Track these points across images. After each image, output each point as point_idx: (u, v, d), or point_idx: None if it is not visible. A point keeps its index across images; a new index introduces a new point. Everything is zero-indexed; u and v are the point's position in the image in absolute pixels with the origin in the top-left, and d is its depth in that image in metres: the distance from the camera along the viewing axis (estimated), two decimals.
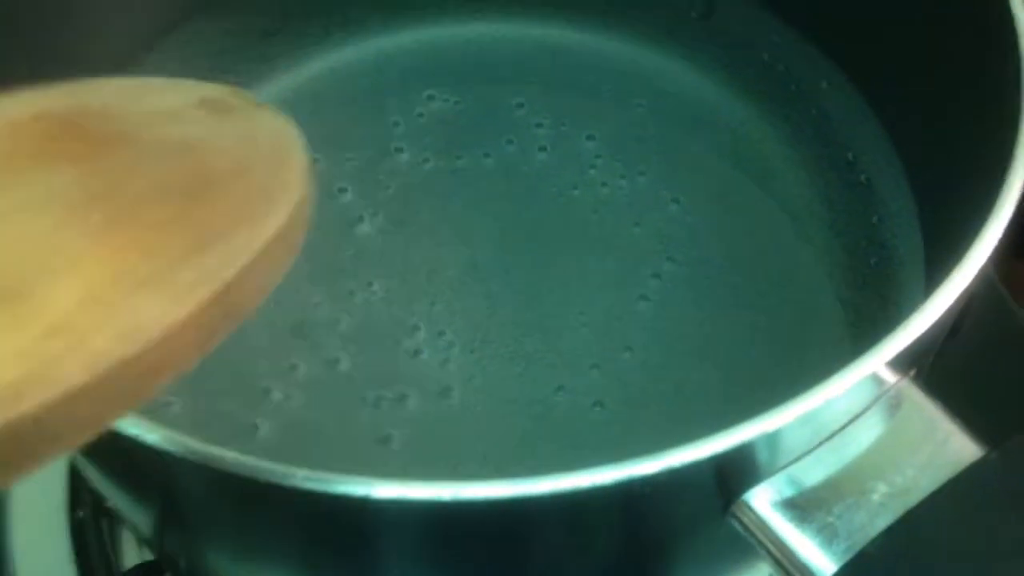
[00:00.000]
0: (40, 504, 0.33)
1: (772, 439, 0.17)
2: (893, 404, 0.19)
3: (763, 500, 0.18)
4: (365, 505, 0.16)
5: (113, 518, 0.33)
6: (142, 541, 0.27)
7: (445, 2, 0.34)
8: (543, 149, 0.32)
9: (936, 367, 0.21)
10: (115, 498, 0.25)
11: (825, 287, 0.29)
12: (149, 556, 0.30)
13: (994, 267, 0.19)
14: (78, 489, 0.33)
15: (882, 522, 0.17)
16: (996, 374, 0.28)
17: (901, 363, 0.18)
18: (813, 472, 0.18)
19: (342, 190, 0.31)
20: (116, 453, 0.20)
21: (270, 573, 0.23)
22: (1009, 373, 0.28)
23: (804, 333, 0.27)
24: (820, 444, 0.18)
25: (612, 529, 0.19)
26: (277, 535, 0.20)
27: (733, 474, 0.18)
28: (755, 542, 0.18)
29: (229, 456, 0.17)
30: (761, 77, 0.32)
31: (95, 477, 0.25)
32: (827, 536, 0.18)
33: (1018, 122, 0.21)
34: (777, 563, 0.18)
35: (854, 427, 0.19)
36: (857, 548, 0.17)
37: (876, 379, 0.18)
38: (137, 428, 0.17)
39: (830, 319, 0.28)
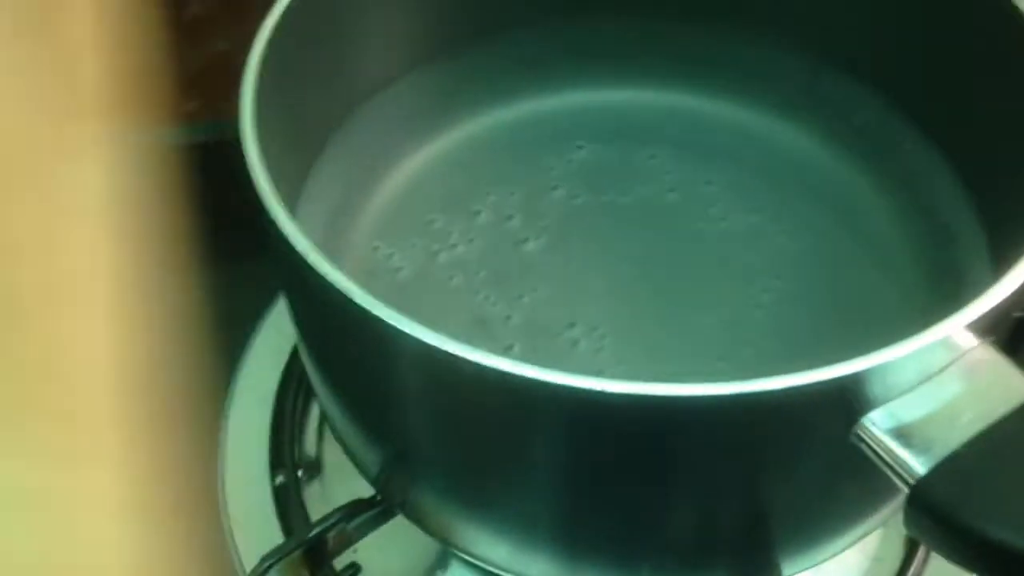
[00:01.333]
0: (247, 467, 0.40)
1: (883, 372, 0.24)
2: (976, 362, 0.25)
3: (875, 423, 0.24)
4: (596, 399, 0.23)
5: (301, 483, 0.40)
6: (367, 477, 0.33)
7: (593, 72, 0.41)
8: (672, 190, 0.39)
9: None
10: (350, 435, 0.32)
11: (904, 309, 0.36)
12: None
13: None
14: (279, 452, 0.40)
15: (966, 436, 0.24)
16: None
17: (978, 328, 0.25)
18: (913, 408, 0.25)
19: (510, 217, 0.38)
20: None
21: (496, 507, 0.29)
22: None
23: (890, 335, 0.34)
24: (918, 385, 0.25)
25: (750, 444, 0.25)
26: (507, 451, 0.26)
27: (853, 399, 0.24)
28: (871, 454, 0.24)
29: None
30: (854, 137, 0.39)
31: (337, 415, 0.32)
32: (923, 447, 0.24)
33: None
34: (888, 467, 0.24)
35: (944, 376, 0.25)
36: (947, 453, 0.23)
37: (955, 339, 0.24)
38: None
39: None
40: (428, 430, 0.28)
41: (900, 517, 0.25)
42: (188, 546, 0.38)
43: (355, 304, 0.25)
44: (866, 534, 0.31)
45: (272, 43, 0.31)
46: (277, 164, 0.28)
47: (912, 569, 0.37)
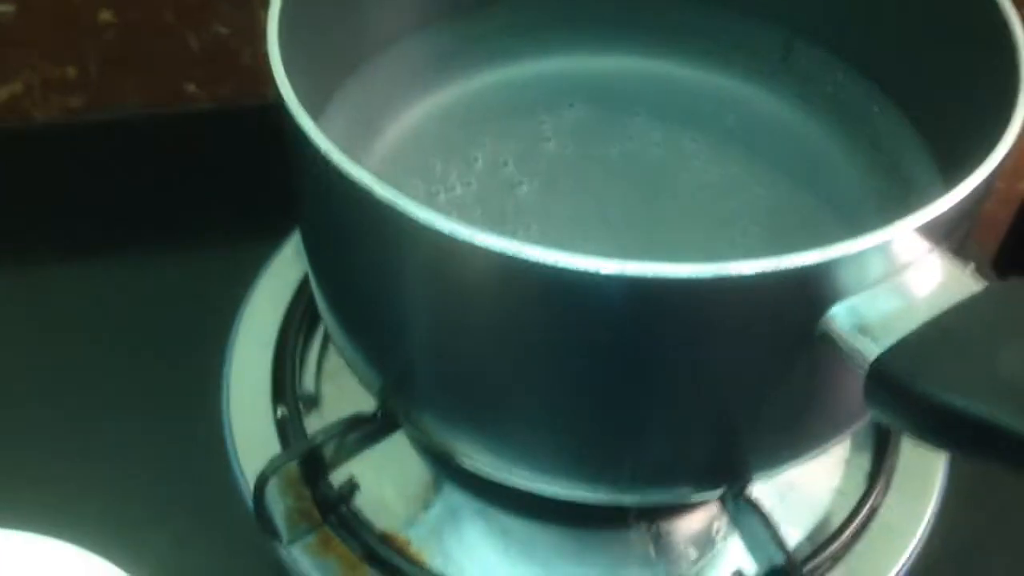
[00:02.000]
0: (250, 395, 0.43)
1: (844, 264, 0.26)
2: (929, 265, 0.28)
3: (838, 314, 0.27)
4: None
5: (301, 413, 0.42)
6: (371, 389, 0.36)
7: (584, 39, 0.44)
8: (656, 146, 0.42)
9: None
10: (357, 347, 0.34)
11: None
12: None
13: None
14: (281, 386, 0.43)
15: (916, 324, 0.26)
16: None
17: (930, 233, 0.28)
18: (871, 303, 0.27)
19: (505, 164, 0.41)
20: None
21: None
22: None
23: None
24: (876, 284, 0.27)
25: (724, 329, 0.28)
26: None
27: (818, 289, 0.27)
28: (834, 341, 0.27)
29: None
30: (823, 99, 0.42)
31: (345, 326, 0.34)
32: (879, 334, 0.26)
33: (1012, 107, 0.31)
34: (848, 352, 0.27)
35: (900, 276, 0.28)
36: (899, 337, 0.26)
37: (908, 242, 0.27)
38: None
39: None
40: (434, 328, 0.31)
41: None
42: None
43: (376, 195, 0.27)
44: (832, 440, 0.33)
45: None
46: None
47: (871, 500, 0.40)
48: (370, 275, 0.32)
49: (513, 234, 0.39)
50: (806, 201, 0.40)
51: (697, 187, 0.40)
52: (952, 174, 0.37)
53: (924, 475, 0.41)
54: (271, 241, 0.47)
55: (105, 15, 0.53)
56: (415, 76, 0.42)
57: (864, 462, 0.42)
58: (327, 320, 0.37)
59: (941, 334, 0.26)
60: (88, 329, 0.47)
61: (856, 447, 0.42)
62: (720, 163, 0.41)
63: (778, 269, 0.26)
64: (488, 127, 0.42)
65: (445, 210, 0.40)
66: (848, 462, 0.42)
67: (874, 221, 0.40)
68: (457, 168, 0.41)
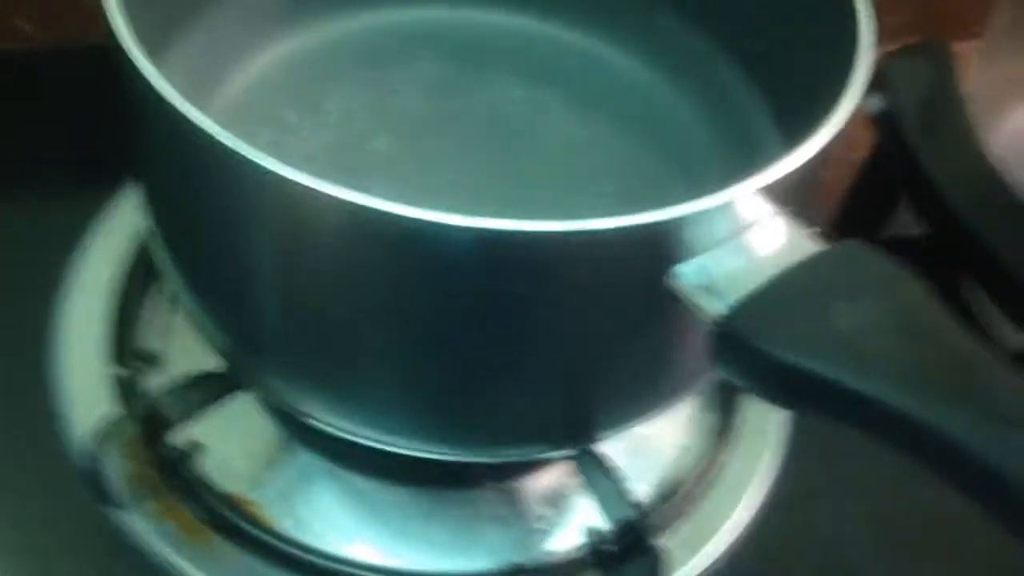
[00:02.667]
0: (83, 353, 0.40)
1: (690, 222, 0.27)
2: (772, 226, 0.28)
3: (685, 272, 0.27)
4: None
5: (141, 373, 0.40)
6: (217, 350, 0.34)
7: None
8: (514, 102, 0.41)
9: None
10: (202, 302, 0.33)
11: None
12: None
13: None
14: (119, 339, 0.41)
15: (759, 282, 0.27)
16: None
17: (772, 194, 0.28)
18: (717, 261, 0.28)
19: (357, 115, 0.40)
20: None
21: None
22: None
23: None
24: (722, 243, 0.28)
25: (574, 285, 0.28)
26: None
27: (666, 246, 0.27)
28: (681, 297, 0.27)
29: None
30: (676, 62, 0.43)
31: (189, 280, 0.33)
32: (724, 292, 0.27)
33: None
34: (695, 309, 0.27)
35: (744, 236, 0.28)
36: (744, 295, 0.27)
37: (751, 202, 0.28)
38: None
39: None
40: (281, 283, 0.30)
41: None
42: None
43: (219, 143, 0.26)
44: (679, 397, 0.34)
45: None
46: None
47: (718, 456, 0.41)
48: (214, 227, 0.30)
49: (366, 189, 0.39)
50: (658, 160, 0.41)
51: (552, 144, 0.40)
52: (795, 140, 0.38)
53: (766, 431, 0.42)
54: (106, 190, 0.45)
55: None
56: (263, 21, 0.40)
57: (711, 419, 0.43)
58: (169, 274, 0.35)
59: (781, 293, 0.27)
60: None
61: (703, 406, 0.43)
62: (576, 121, 0.41)
63: (625, 226, 0.26)
64: (341, 77, 0.41)
65: (294, 161, 0.39)
66: (695, 419, 0.43)
67: (721, 182, 0.41)
68: (307, 118, 0.39)
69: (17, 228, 0.45)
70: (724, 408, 0.43)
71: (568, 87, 0.42)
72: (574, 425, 0.33)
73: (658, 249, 0.27)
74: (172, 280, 0.35)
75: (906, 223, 0.52)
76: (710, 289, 0.27)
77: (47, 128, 0.49)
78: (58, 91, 0.51)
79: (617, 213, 0.37)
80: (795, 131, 0.38)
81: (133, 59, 0.28)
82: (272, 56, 0.41)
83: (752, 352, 0.26)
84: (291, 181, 0.26)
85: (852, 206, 0.55)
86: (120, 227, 0.44)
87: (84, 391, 0.39)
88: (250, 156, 0.26)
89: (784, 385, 0.26)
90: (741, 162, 0.41)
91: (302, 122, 0.39)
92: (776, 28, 0.39)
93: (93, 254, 0.43)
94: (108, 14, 0.28)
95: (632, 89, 0.43)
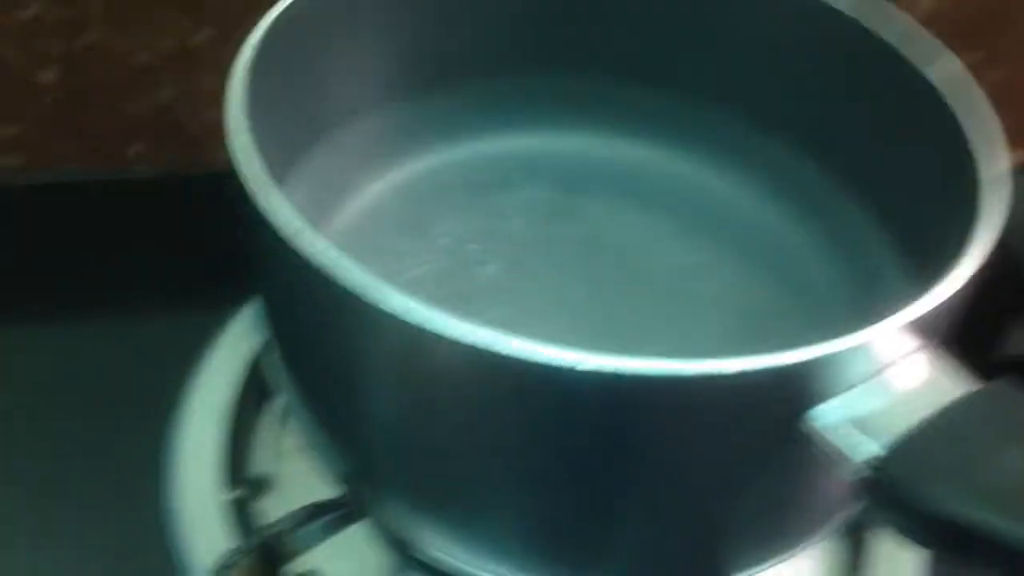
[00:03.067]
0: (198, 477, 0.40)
1: (825, 364, 0.25)
2: (917, 362, 0.27)
3: (825, 413, 0.26)
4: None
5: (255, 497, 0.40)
6: (334, 473, 0.34)
7: (546, 120, 0.44)
8: (619, 228, 0.41)
9: None
10: (320, 430, 0.33)
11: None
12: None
13: None
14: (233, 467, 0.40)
15: (913, 422, 0.25)
16: None
17: (918, 329, 0.27)
18: (860, 401, 0.26)
19: (467, 242, 0.40)
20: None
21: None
22: None
23: None
24: (864, 382, 0.26)
25: (703, 427, 0.26)
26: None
27: (802, 388, 0.26)
28: (821, 443, 0.26)
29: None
30: (785, 188, 0.42)
31: (307, 408, 0.33)
32: (876, 432, 0.25)
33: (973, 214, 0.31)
34: (835, 452, 0.26)
35: (888, 373, 0.27)
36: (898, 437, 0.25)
37: (892, 340, 0.26)
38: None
39: None
40: (402, 415, 0.29)
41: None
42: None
43: (342, 278, 0.26)
44: (815, 537, 0.32)
45: (251, 66, 0.32)
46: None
47: None
48: (334, 358, 0.30)
49: (478, 315, 0.38)
50: (771, 287, 0.40)
51: (661, 272, 0.40)
52: (925, 269, 0.37)
53: (899, 570, 0.40)
54: (217, 314, 0.45)
55: (47, 76, 0.51)
56: (371, 155, 0.41)
57: (842, 555, 0.41)
58: (291, 398, 0.35)
59: (938, 434, 0.26)
60: (25, 404, 0.44)
61: (832, 542, 0.41)
62: (683, 249, 0.41)
63: (763, 367, 0.25)
64: (450, 204, 0.41)
65: (408, 290, 0.39)
66: (823, 558, 0.40)
67: (840, 309, 0.40)
68: (417, 247, 0.39)
69: (130, 349, 0.46)
70: (854, 546, 0.40)
71: (672, 213, 0.42)
72: (704, 567, 0.31)
73: (795, 389, 0.26)
74: (292, 402, 0.35)
75: (1018, 343, 0.49)
76: (861, 430, 0.26)
77: (159, 250, 0.50)
78: (172, 215, 0.52)
79: (733, 344, 0.36)
80: (921, 259, 0.36)
81: (260, 197, 0.28)
82: (381, 188, 0.41)
83: (913, 498, 0.25)
84: (414, 322, 0.25)
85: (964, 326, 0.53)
86: (232, 349, 0.44)
87: (201, 519, 0.38)
88: (374, 296, 0.26)
89: (944, 533, 0.24)
90: (860, 290, 0.39)
91: (413, 249, 0.39)
92: (891, 152, 0.38)
93: (207, 377, 0.43)
94: (236, 153, 0.29)
95: (738, 214, 0.42)
